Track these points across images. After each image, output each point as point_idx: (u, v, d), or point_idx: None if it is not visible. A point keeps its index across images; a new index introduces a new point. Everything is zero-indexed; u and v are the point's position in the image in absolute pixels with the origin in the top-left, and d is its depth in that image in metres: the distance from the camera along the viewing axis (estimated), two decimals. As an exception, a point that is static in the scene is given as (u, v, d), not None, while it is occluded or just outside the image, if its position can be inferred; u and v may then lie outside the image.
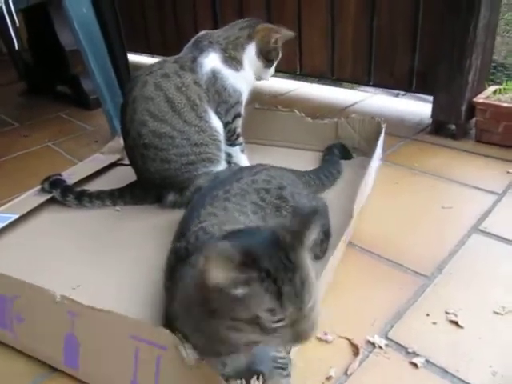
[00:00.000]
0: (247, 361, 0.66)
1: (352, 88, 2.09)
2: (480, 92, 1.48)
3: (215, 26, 2.13)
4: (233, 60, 1.20)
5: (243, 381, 0.61)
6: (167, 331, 0.65)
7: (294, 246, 0.55)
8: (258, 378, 0.63)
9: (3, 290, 0.82)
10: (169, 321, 0.71)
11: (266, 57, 1.24)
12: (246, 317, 0.53)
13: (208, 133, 1.17)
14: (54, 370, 0.79)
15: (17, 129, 1.93)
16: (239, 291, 0.52)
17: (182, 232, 0.83)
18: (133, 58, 2.21)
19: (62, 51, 2.02)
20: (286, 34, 1.26)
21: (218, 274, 0.51)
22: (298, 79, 2.19)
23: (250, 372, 0.65)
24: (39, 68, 2.29)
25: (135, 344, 0.68)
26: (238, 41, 1.21)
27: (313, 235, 0.56)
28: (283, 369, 0.68)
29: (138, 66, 2.45)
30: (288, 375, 0.68)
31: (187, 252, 0.73)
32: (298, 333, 0.54)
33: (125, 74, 2.06)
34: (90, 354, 0.74)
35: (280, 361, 0.68)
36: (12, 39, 2.09)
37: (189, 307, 0.62)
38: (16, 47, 1.47)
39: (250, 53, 1.22)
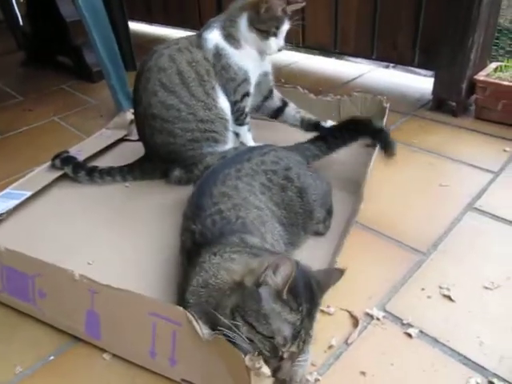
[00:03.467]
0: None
1: (353, 61, 2.08)
2: (481, 69, 1.50)
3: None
4: (231, 38, 1.20)
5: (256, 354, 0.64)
6: (181, 309, 0.70)
7: (319, 303, 0.68)
8: None
9: (24, 268, 0.87)
10: (181, 298, 0.76)
11: (259, 28, 1.18)
12: (264, 332, 0.62)
13: (214, 111, 1.19)
14: (78, 339, 0.85)
15: (21, 102, 1.94)
16: (275, 306, 0.63)
17: (195, 212, 0.86)
18: (132, 25, 2.18)
19: (63, 22, 2.00)
20: (276, 2, 1.17)
21: (273, 280, 0.63)
22: (299, 51, 2.18)
23: None
24: (38, 38, 2.26)
25: (152, 319, 0.74)
26: (231, 15, 1.21)
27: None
28: None
29: (138, 34, 2.43)
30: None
31: (205, 238, 0.77)
32: (282, 367, 0.64)
33: (126, 46, 2.04)
34: (111, 327, 0.80)
35: None
36: (11, 7, 2.07)
37: (209, 294, 0.69)
38: (20, 23, 1.46)
39: (242, 27, 1.19)
